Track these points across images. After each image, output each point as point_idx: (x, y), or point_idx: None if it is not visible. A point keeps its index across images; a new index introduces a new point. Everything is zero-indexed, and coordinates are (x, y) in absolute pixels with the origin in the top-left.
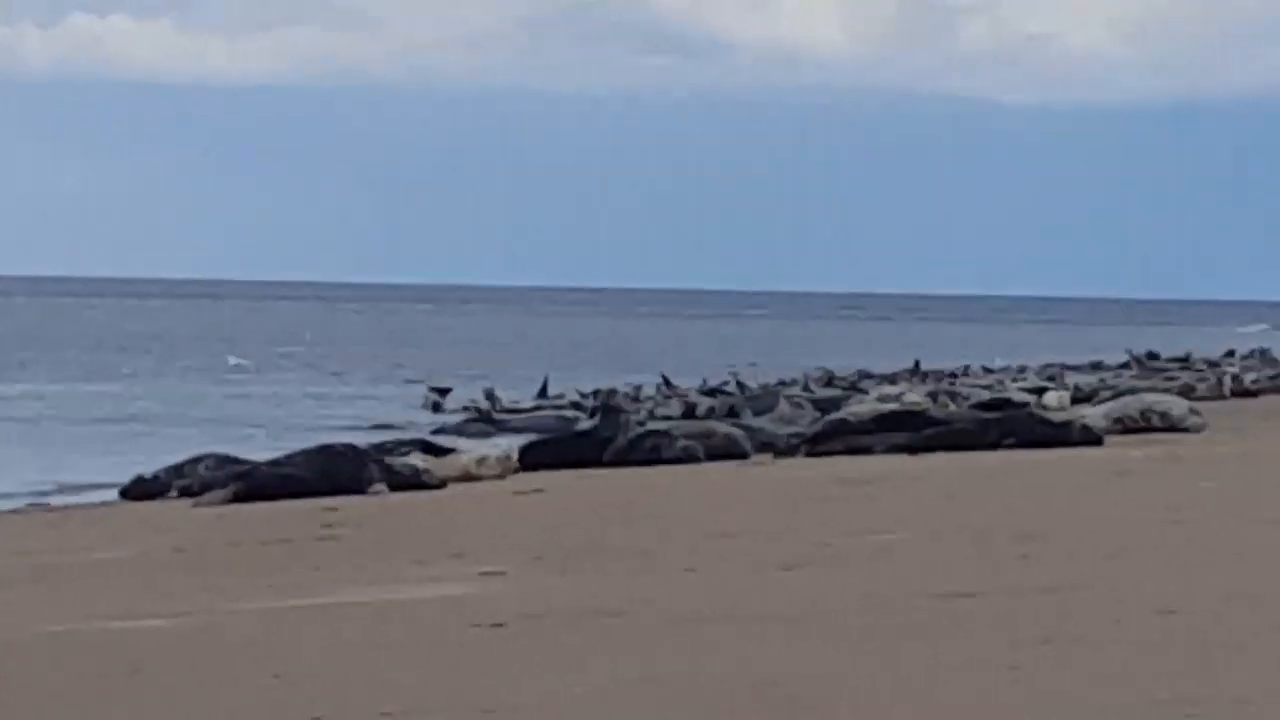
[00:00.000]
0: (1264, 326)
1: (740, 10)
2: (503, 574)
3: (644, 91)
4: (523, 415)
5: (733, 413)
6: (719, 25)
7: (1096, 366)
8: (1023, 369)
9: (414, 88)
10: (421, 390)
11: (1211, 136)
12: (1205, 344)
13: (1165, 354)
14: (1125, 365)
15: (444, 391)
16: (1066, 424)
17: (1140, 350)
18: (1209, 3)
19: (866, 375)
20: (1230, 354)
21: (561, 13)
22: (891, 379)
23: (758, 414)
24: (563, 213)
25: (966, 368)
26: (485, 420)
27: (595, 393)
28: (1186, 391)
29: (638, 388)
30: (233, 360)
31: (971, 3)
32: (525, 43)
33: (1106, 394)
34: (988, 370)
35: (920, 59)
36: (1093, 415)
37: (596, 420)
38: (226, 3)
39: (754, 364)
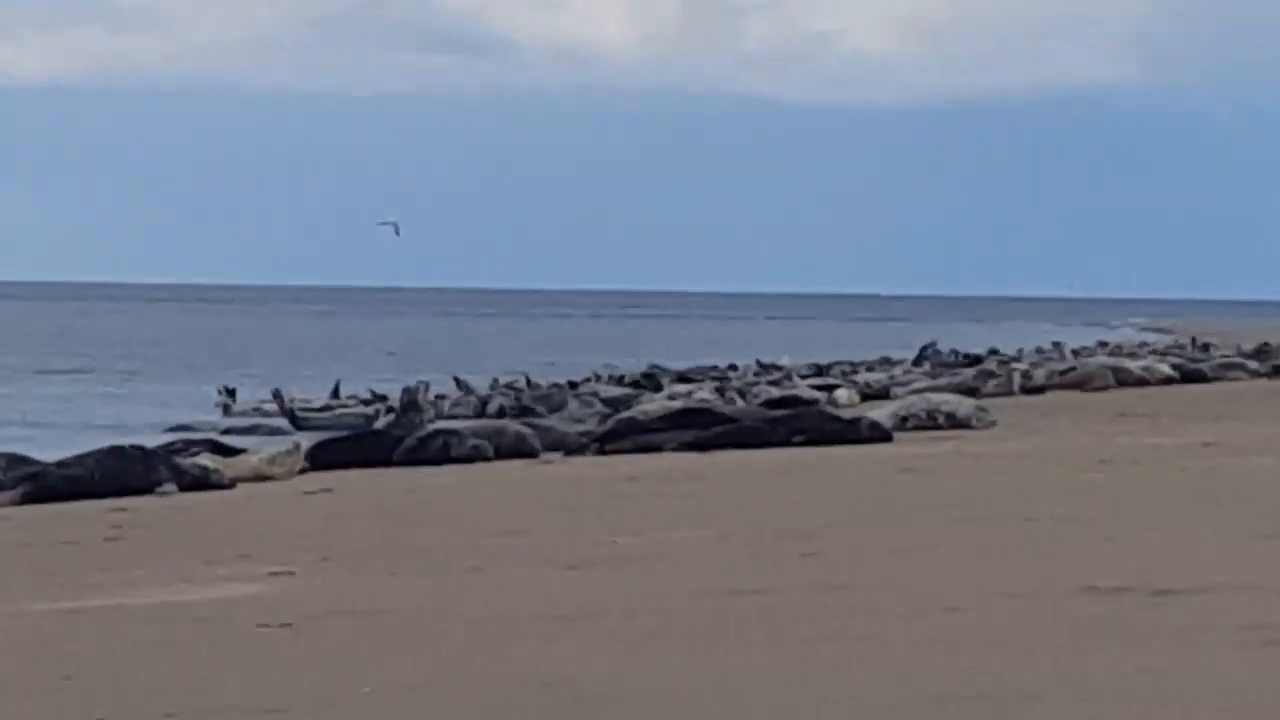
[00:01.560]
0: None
1: (529, 9)
2: (291, 574)
3: (433, 91)
4: (320, 415)
5: (525, 411)
6: (507, 25)
7: (887, 363)
8: (819, 366)
9: (201, 89)
10: (211, 391)
11: (995, 134)
12: (1008, 340)
13: (964, 351)
14: (916, 362)
15: (233, 392)
16: (856, 421)
17: (932, 348)
18: (992, 2)
19: (662, 371)
20: (1018, 352)
21: (349, 13)
22: (684, 377)
23: (549, 412)
24: (351, 212)
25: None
26: (290, 419)
27: (381, 397)
28: (976, 390)
29: (437, 393)
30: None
31: (757, 1)
32: (313, 43)
33: (900, 391)
34: (773, 367)
35: (707, 58)
36: (880, 413)
37: (392, 418)
38: (9, 2)
39: (552, 363)
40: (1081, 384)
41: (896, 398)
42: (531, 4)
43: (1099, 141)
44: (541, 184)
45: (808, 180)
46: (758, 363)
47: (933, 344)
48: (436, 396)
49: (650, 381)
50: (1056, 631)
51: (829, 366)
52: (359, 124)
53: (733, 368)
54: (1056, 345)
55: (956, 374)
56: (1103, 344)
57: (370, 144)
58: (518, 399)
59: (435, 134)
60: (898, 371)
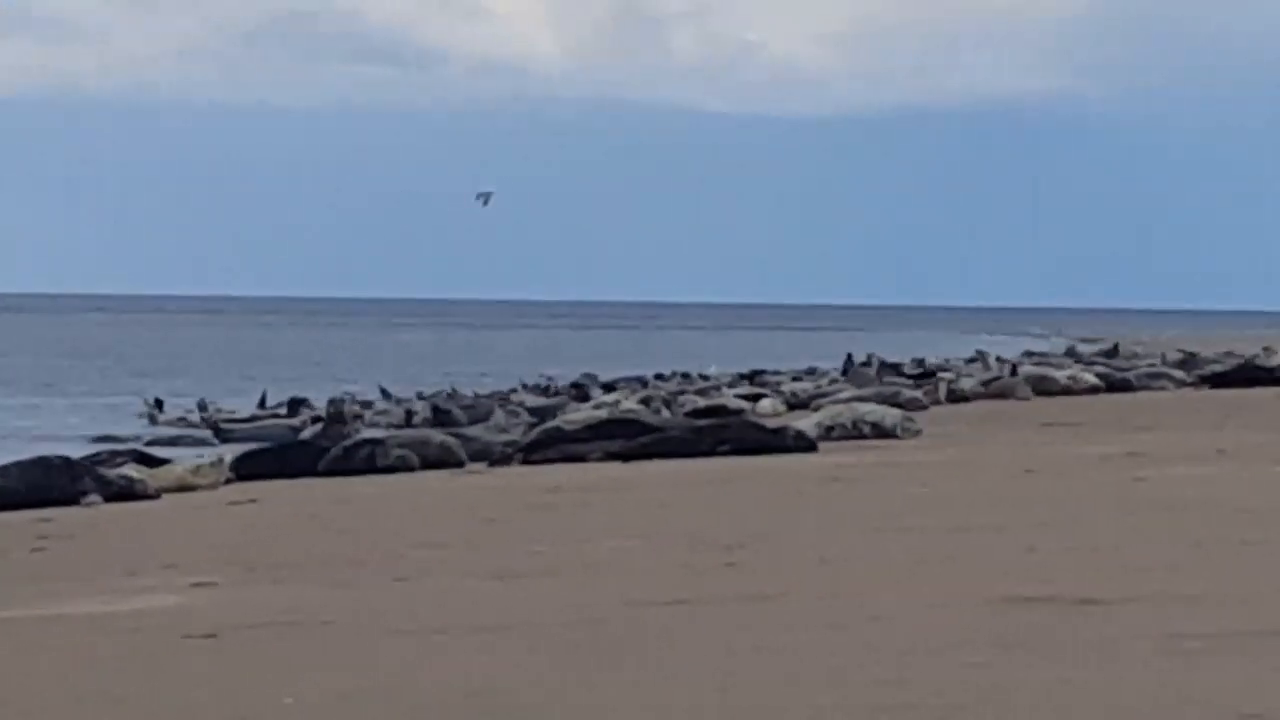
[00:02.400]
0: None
1: (453, 20)
2: (215, 585)
3: (359, 103)
4: (244, 426)
5: (450, 421)
6: (433, 36)
7: (811, 373)
8: (746, 375)
9: (128, 101)
10: (137, 402)
11: (924, 144)
12: (938, 350)
13: (891, 360)
14: (843, 372)
15: (160, 403)
16: (781, 430)
17: (860, 357)
18: (918, 13)
19: (591, 381)
20: (946, 361)
21: (275, 25)
22: (610, 386)
23: (474, 422)
24: (277, 224)
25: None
26: (213, 431)
27: (303, 401)
28: (909, 402)
29: (367, 402)
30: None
31: (683, 11)
32: (240, 55)
33: (824, 401)
34: (700, 376)
35: (634, 68)
36: (805, 423)
37: (319, 429)
38: None
39: (482, 374)
40: (1007, 393)
41: (819, 408)
42: (460, 15)
43: (1028, 151)
44: (472, 194)
45: (736, 190)
46: (674, 373)
47: (862, 359)
48: (362, 406)
49: (578, 391)
50: (982, 641)
51: (755, 375)
52: (290, 135)
53: (659, 377)
54: (980, 355)
55: (884, 382)
56: (1029, 354)
57: (301, 155)
58: (443, 409)
59: (366, 144)
60: (824, 381)
